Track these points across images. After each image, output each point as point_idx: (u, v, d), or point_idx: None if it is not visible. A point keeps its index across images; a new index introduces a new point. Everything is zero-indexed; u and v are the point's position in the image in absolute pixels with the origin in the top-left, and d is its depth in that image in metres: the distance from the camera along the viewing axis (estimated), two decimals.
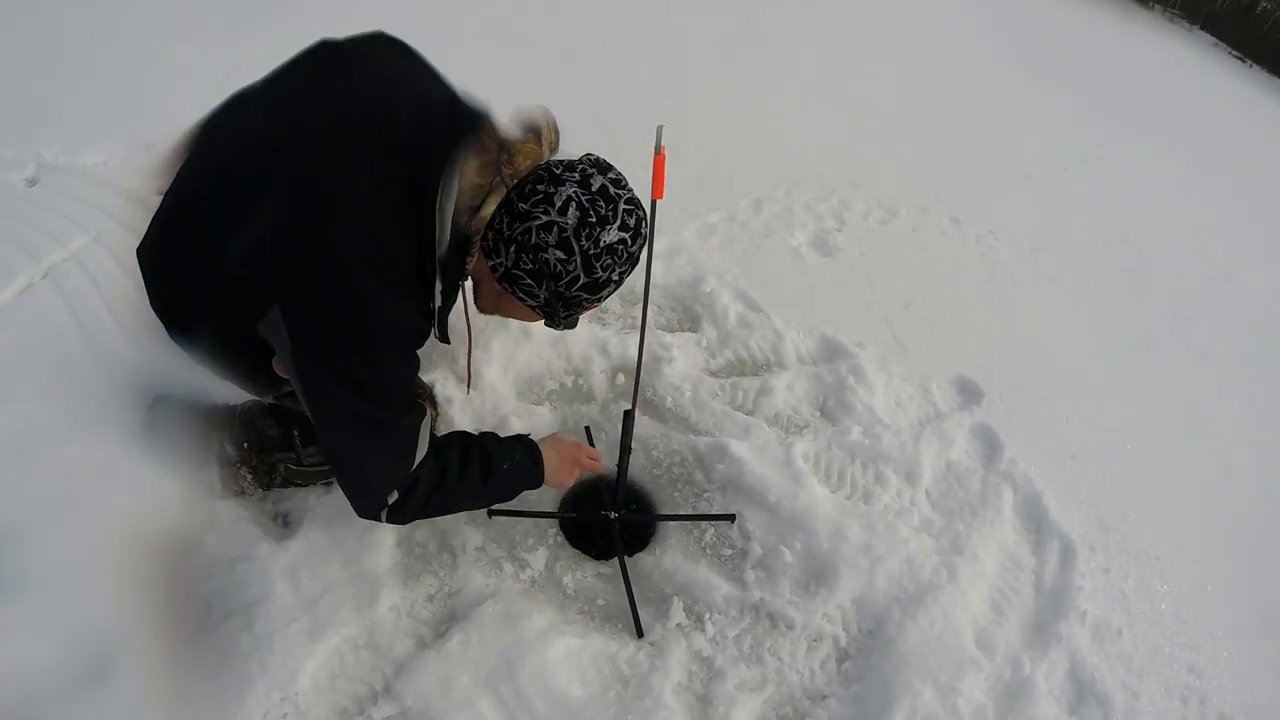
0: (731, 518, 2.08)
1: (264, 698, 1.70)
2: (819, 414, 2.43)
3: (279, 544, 1.94)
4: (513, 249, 1.45)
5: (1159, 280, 3.67)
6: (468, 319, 1.87)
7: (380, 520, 1.62)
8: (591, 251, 1.42)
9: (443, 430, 1.80)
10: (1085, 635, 1.98)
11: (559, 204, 1.41)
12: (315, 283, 1.36)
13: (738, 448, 2.18)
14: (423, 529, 2.04)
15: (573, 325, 1.67)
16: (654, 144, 1.37)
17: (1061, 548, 2.15)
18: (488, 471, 1.68)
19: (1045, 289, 3.33)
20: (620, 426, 1.94)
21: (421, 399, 1.89)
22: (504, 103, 1.56)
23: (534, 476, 1.81)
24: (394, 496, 1.57)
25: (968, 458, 2.34)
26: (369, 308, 1.38)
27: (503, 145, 1.48)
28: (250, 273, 1.41)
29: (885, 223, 3.52)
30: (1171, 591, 2.16)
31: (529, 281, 1.49)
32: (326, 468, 1.97)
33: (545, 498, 2.15)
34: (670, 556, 2.04)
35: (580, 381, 2.44)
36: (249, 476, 1.95)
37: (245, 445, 1.92)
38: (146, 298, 1.62)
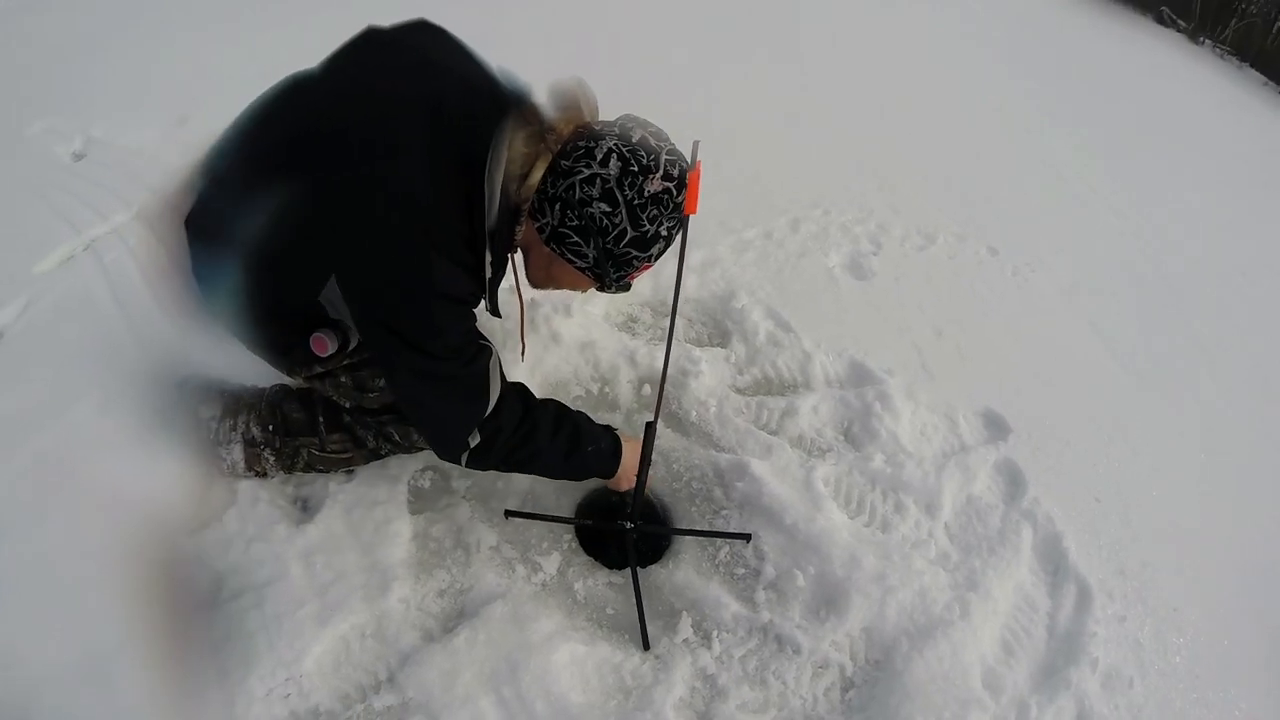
0: (747, 537, 2.07)
1: (269, 676, 1.72)
2: (843, 438, 2.41)
3: (296, 527, 1.96)
4: (558, 206, 1.49)
5: (1197, 324, 3.60)
6: (519, 290, 1.90)
7: (461, 464, 1.68)
8: (636, 202, 1.45)
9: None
10: (1095, 683, 1.94)
11: (600, 156, 1.44)
12: (372, 250, 1.42)
13: (759, 467, 2.18)
14: (439, 525, 2.05)
15: (626, 288, 1.68)
16: (691, 157, 1.38)
17: (1078, 592, 2.12)
18: (574, 447, 1.74)
19: (1081, 327, 3.29)
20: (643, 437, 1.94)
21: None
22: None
23: (610, 467, 1.88)
24: (476, 439, 1.63)
25: (990, 493, 2.32)
26: (425, 270, 1.42)
27: (545, 117, 1.51)
28: (307, 242, 1.48)
29: (922, 249, 3.50)
30: (1187, 645, 2.12)
31: (576, 239, 1.51)
32: (349, 455, 2.00)
33: (563, 502, 2.16)
34: (683, 571, 2.04)
35: (606, 390, 2.44)
36: (271, 459, 1.97)
37: (270, 428, 1.94)
38: (189, 269, 1.66)
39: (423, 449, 2.05)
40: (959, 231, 3.68)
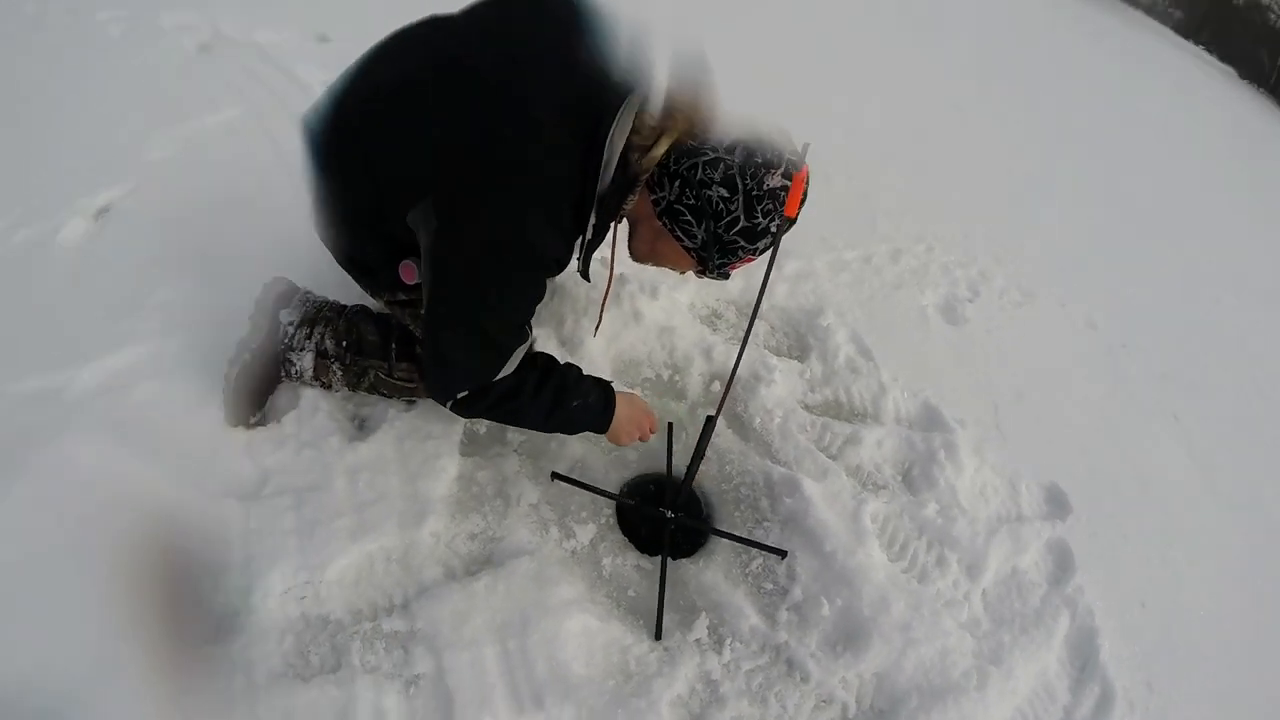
0: (783, 554, 2.05)
1: (290, 575, 1.76)
2: (900, 479, 2.37)
3: (349, 443, 2.01)
4: (677, 183, 1.50)
5: None
6: (612, 264, 1.90)
7: (445, 407, 1.70)
8: (754, 192, 1.46)
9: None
10: None
11: (728, 143, 1.45)
12: (476, 184, 1.44)
13: (810, 487, 2.15)
14: (485, 471, 2.07)
15: (725, 276, 1.70)
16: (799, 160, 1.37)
17: (1101, 694, 2.03)
18: (558, 403, 1.73)
19: (1165, 420, 3.17)
20: (701, 430, 1.93)
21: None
22: None
23: (600, 422, 1.87)
24: (465, 394, 1.65)
25: (1036, 570, 2.25)
26: (521, 221, 1.44)
27: (677, 96, 1.51)
28: (417, 163, 1.50)
29: (1020, 305, 3.40)
30: None
31: (689, 218, 1.53)
32: (413, 385, 2.03)
33: (611, 477, 2.16)
34: (712, 572, 2.03)
35: (676, 378, 2.43)
36: (339, 373, 2.01)
37: (344, 344, 1.98)
38: (308, 176, 1.70)
39: None
40: (1062, 297, 3.57)
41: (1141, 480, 2.78)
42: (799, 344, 2.73)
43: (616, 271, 2.03)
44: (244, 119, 3.07)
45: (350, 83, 1.66)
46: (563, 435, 2.13)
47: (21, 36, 3.41)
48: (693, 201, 1.51)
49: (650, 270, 1.88)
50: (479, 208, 1.45)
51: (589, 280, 1.75)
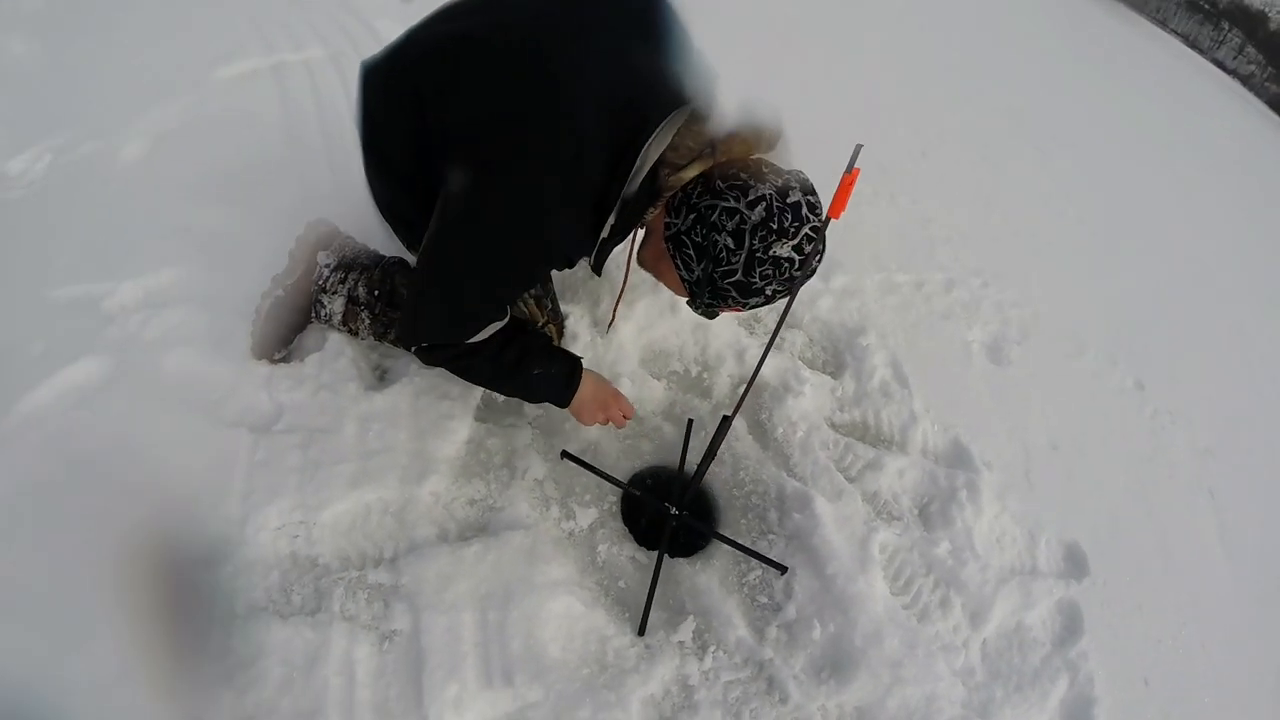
0: (783, 569, 2.01)
1: (286, 512, 1.78)
2: (916, 512, 2.30)
3: (365, 392, 2.02)
4: (692, 217, 1.50)
5: None
6: (628, 266, 1.88)
7: (409, 351, 1.74)
8: (759, 254, 1.45)
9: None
10: None
11: (752, 197, 1.44)
12: (507, 161, 1.44)
13: (822, 506, 2.11)
14: (497, 439, 2.06)
15: (711, 315, 1.71)
16: (849, 161, 1.33)
17: None
18: (518, 368, 1.72)
19: (1200, 498, 3.05)
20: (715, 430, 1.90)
21: (555, 322, 1.99)
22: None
23: (561, 396, 1.85)
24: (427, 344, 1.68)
25: (1041, 629, 2.17)
26: (538, 210, 1.45)
27: (725, 126, 1.50)
28: (461, 119, 1.50)
29: (1069, 356, 3.29)
30: None
31: (691, 253, 1.53)
32: None
33: (622, 465, 2.14)
34: (707, 576, 1.99)
35: (704, 375, 2.40)
36: (367, 321, 2.01)
37: (376, 293, 1.98)
38: (358, 118, 1.69)
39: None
40: (1113, 353, 3.45)
41: (1166, 553, 2.68)
42: (835, 360, 2.67)
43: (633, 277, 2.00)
44: (321, 62, 3.10)
45: (413, 33, 1.66)
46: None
47: None
48: (699, 240, 1.51)
49: None
50: (502, 187, 1.45)
51: (600, 274, 1.75)
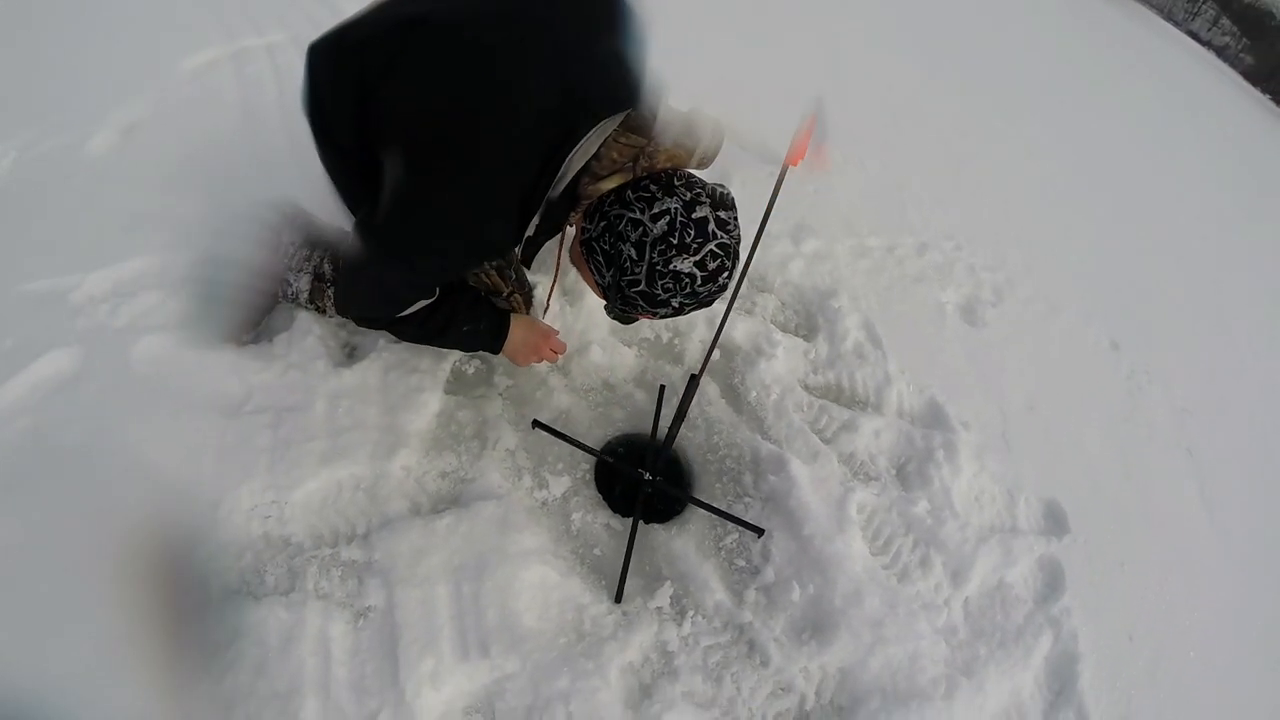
0: (760, 531, 1.98)
1: (259, 493, 1.75)
2: (894, 473, 2.29)
3: (335, 369, 1.99)
4: (602, 225, 1.52)
5: None
6: (558, 262, 1.92)
7: (346, 317, 1.84)
8: (659, 267, 1.46)
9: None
10: None
11: (656, 210, 1.45)
12: (442, 152, 1.43)
13: (798, 468, 2.08)
14: (467, 411, 2.03)
15: (626, 321, 1.75)
16: (808, 111, 1.31)
17: None
18: (447, 326, 1.75)
19: (1178, 455, 3.05)
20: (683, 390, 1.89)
21: (522, 291, 1.98)
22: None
23: (491, 346, 1.88)
24: None
25: (1023, 586, 2.16)
26: (467, 205, 1.46)
27: (655, 140, 1.52)
28: (401, 102, 1.49)
29: (1044, 317, 3.29)
30: None
31: (600, 259, 1.54)
32: None
33: (594, 432, 2.11)
34: (683, 541, 1.97)
35: (676, 341, 2.38)
36: (333, 299, 1.97)
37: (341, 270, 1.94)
38: (304, 98, 1.67)
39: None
40: (1087, 313, 3.45)
41: (1146, 510, 2.68)
42: (807, 323, 2.64)
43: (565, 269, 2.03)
44: (284, 45, 3.06)
45: (364, 13, 1.63)
46: (550, 384, 2.14)
47: None
48: (607, 248, 1.51)
49: None
50: (435, 184, 1.45)
51: (529, 267, 1.80)
